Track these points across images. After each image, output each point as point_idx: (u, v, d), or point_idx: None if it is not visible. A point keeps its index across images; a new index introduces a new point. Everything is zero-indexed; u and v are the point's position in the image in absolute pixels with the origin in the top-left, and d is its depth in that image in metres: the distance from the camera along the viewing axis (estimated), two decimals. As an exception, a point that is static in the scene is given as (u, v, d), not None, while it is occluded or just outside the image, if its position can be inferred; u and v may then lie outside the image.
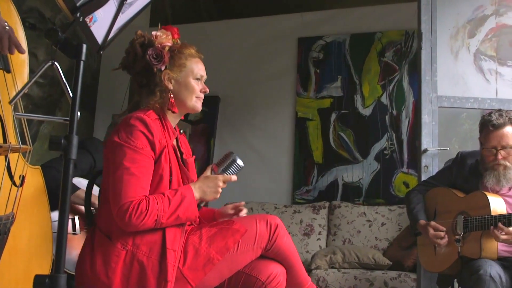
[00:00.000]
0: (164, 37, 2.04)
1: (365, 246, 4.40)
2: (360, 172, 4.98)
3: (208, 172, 2.01)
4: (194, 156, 2.27)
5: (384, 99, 5.02)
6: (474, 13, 3.54)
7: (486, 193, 2.66)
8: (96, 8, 1.38)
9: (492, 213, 2.56)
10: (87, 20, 1.39)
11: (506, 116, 2.68)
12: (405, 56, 5.05)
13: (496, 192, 2.72)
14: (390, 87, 5.03)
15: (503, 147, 2.66)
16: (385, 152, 4.94)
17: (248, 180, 5.07)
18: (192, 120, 5.51)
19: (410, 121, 4.90)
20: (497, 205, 2.60)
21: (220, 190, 1.97)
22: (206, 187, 1.95)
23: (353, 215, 4.60)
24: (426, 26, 3.39)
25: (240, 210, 2.24)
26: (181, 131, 2.26)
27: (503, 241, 2.50)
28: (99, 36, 1.54)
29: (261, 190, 5.14)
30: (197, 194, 1.93)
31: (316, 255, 4.07)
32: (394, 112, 4.98)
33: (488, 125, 2.68)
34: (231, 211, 2.25)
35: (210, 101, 5.44)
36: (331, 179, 5.05)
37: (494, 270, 2.42)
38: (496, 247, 2.60)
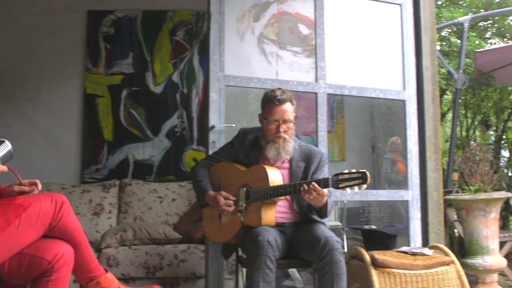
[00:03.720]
0: None
1: (156, 222, 4.45)
2: (151, 150, 5.01)
3: None
4: None
5: (175, 77, 5.10)
6: (259, -1, 3.76)
7: (265, 166, 2.87)
8: None
9: (270, 184, 2.77)
10: None
11: (288, 93, 2.94)
12: (196, 36, 5.18)
13: (272, 164, 2.96)
14: (181, 66, 5.12)
15: (285, 121, 2.89)
16: (176, 129, 5.03)
17: (32, 160, 4.72)
18: (-36, 94, 4.95)
19: (200, 100, 5.06)
20: (274, 176, 2.82)
21: None
22: None
23: (144, 192, 4.61)
24: (215, 7, 3.50)
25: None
26: None
27: (313, 200, 2.68)
28: None
29: (47, 170, 4.82)
30: None
31: (106, 234, 4.00)
32: (185, 90, 5.10)
33: (273, 100, 2.89)
34: (17, 189, 2.09)
35: (-14, 74, 4.95)
36: (122, 157, 4.99)
37: (271, 235, 2.64)
38: (274, 215, 2.83)
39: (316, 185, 2.65)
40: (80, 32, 5.15)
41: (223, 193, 2.88)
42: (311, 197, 2.67)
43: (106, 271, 2.28)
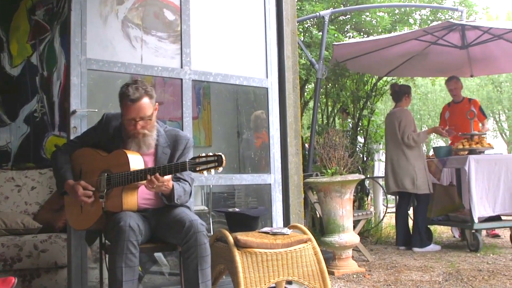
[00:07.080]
0: None
1: (14, 211, 4.21)
2: (8, 136, 4.71)
3: None
4: None
5: (35, 60, 4.84)
6: (123, -18, 3.68)
7: (126, 151, 2.83)
8: None
9: (131, 170, 2.74)
10: None
11: (142, 89, 2.83)
12: (57, 17, 4.95)
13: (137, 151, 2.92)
14: (41, 47, 4.87)
15: (141, 118, 2.84)
16: (35, 114, 4.78)
17: None
18: None
19: (62, 83, 4.85)
20: (135, 161, 2.81)
21: None
22: None
23: (0, 181, 4.34)
24: (76, -13, 3.38)
25: None
26: None
27: (155, 188, 2.71)
28: None
29: None
30: None
31: (-44, 226, 3.72)
32: (45, 73, 4.85)
33: (126, 99, 2.81)
34: None
35: None
36: (-26, 143, 4.65)
37: (133, 220, 2.64)
38: (135, 200, 2.81)
39: (158, 175, 2.67)
40: None
41: (82, 182, 2.82)
42: (154, 186, 2.68)
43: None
